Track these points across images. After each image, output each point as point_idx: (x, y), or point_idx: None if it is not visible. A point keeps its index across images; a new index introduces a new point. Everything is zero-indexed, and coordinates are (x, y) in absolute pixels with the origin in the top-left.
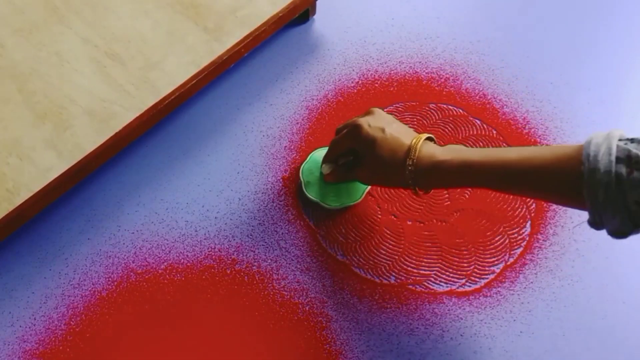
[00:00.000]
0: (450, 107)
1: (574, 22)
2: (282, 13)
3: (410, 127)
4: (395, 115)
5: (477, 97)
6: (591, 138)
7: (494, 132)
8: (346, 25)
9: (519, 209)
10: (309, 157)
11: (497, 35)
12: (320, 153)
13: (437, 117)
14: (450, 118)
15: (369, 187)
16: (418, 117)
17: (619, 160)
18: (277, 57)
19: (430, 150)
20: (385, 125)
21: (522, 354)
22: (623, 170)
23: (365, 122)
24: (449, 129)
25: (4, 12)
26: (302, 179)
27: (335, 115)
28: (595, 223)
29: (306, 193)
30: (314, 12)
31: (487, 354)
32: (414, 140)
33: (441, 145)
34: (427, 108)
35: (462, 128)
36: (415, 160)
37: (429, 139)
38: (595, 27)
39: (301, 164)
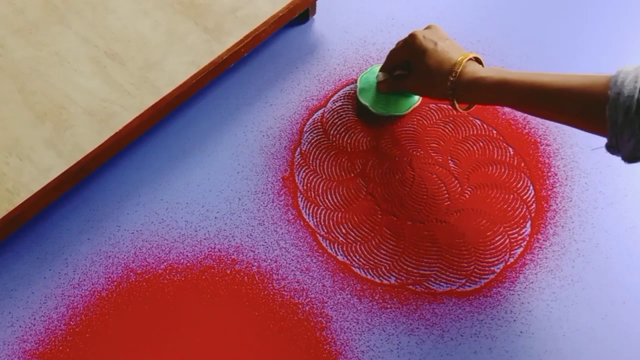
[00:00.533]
0: (450, 107)
1: (574, 22)
2: (282, 13)
3: (411, 125)
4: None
5: None
6: (622, 68)
7: (494, 132)
8: (346, 25)
9: (519, 209)
10: (369, 68)
11: (497, 35)
12: (378, 66)
13: (437, 117)
14: (450, 118)
15: (417, 103)
16: (418, 117)
17: None
18: (277, 57)
19: (474, 68)
20: (438, 40)
21: (522, 354)
22: None
23: (420, 33)
24: (449, 129)
25: (4, 12)
26: (357, 85)
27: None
28: (612, 146)
29: (359, 97)
30: (314, 12)
31: (487, 354)
32: (461, 57)
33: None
34: (426, 108)
35: (462, 128)
36: (457, 74)
37: (476, 59)
38: (596, 27)
39: (360, 74)
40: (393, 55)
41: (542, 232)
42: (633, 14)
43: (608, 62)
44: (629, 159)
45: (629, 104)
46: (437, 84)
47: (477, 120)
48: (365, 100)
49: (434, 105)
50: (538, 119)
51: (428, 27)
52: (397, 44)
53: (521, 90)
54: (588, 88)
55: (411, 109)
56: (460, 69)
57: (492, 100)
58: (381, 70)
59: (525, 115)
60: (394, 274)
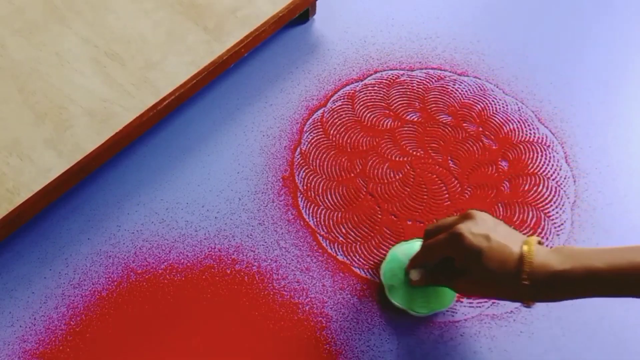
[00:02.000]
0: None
1: (574, 22)
2: (282, 13)
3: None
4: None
5: None
6: None
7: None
8: (346, 25)
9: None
10: (388, 254)
11: (497, 35)
12: (400, 250)
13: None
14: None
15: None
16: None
17: None
18: (277, 57)
19: (545, 259)
20: (489, 232)
21: (522, 354)
22: None
23: (467, 229)
24: (449, 129)
25: (4, 12)
26: (384, 283)
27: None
28: None
29: (391, 299)
30: (314, 12)
31: (487, 354)
32: (525, 248)
33: (550, 248)
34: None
35: (463, 128)
36: (530, 274)
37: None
38: (596, 27)
39: (381, 263)
40: (431, 253)
41: (542, 232)
42: (633, 14)
43: (608, 62)
44: None
45: None
46: (505, 287)
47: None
48: (399, 302)
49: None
50: (540, 121)
51: (468, 217)
52: (428, 233)
53: (618, 281)
54: None
55: (454, 299)
56: (531, 267)
57: (581, 295)
58: (413, 266)
59: (527, 117)
60: None
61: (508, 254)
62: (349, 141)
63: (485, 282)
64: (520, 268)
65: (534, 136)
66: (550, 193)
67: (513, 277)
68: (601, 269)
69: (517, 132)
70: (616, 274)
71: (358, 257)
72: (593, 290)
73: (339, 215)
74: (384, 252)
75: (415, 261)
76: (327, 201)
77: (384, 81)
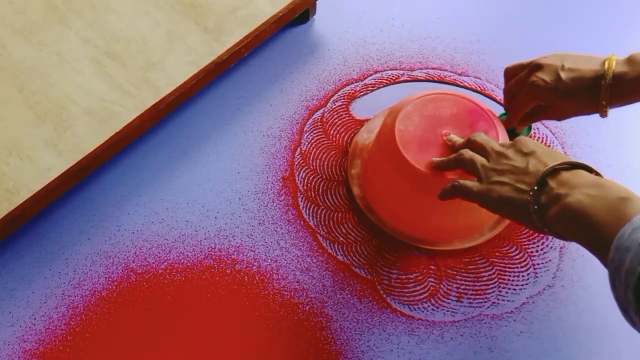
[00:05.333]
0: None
1: (574, 22)
2: (282, 13)
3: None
4: None
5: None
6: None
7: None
8: (346, 25)
9: None
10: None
11: (497, 35)
12: None
13: None
14: None
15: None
16: None
17: None
18: (277, 57)
19: (622, 67)
20: (563, 62)
21: (522, 354)
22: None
23: (540, 77)
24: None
25: (4, 12)
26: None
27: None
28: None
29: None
30: (314, 12)
31: (487, 354)
32: (606, 64)
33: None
34: None
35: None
36: (612, 77)
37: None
38: (596, 27)
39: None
40: (520, 107)
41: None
42: (634, 13)
43: None
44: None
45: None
46: (583, 100)
47: None
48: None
49: None
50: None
51: (537, 69)
52: (510, 70)
53: None
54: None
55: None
56: (613, 74)
57: None
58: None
59: None
60: None
61: (588, 68)
62: (349, 141)
63: (566, 103)
64: (603, 74)
65: (534, 136)
66: None
67: (595, 79)
68: None
69: None
70: None
71: (358, 257)
72: None
73: (339, 215)
74: (385, 252)
75: (510, 115)
76: (327, 201)
77: (384, 81)
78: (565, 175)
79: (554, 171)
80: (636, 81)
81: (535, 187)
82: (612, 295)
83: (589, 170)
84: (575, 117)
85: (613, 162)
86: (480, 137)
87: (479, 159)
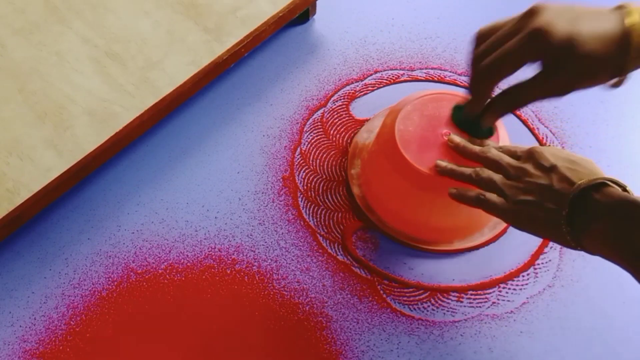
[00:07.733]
0: None
1: None
2: (282, 13)
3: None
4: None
5: None
6: None
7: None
8: (346, 25)
9: None
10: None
11: None
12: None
13: None
14: None
15: None
16: None
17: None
18: (277, 57)
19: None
20: (571, 13)
21: (522, 354)
22: None
23: (545, 22)
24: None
25: (4, 12)
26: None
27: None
28: None
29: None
30: (314, 12)
31: (487, 354)
32: (627, 21)
33: None
34: None
35: None
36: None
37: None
38: None
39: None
40: (504, 63)
41: None
42: None
43: None
44: None
45: None
46: (604, 71)
47: None
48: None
49: None
50: (538, 119)
51: (533, 13)
52: (483, 35)
53: None
54: None
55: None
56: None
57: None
58: (477, 94)
59: (526, 115)
60: None
61: (607, 29)
62: (349, 141)
63: (580, 76)
64: (628, 40)
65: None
66: None
67: (619, 52)
68: None
69: (517, 132)
70: None
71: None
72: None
73: (339, 215)
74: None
75: (480, 84)
76: (327, 201)
77: (384, 81)
78: (595, 197)
79: (583, 191)
80: None
81: (566, 211)
82: (612, 295)
83: (616, 183)
84: (576, 117)
85: (614, 162)
86: (492, 152)
87: (498, 178)
